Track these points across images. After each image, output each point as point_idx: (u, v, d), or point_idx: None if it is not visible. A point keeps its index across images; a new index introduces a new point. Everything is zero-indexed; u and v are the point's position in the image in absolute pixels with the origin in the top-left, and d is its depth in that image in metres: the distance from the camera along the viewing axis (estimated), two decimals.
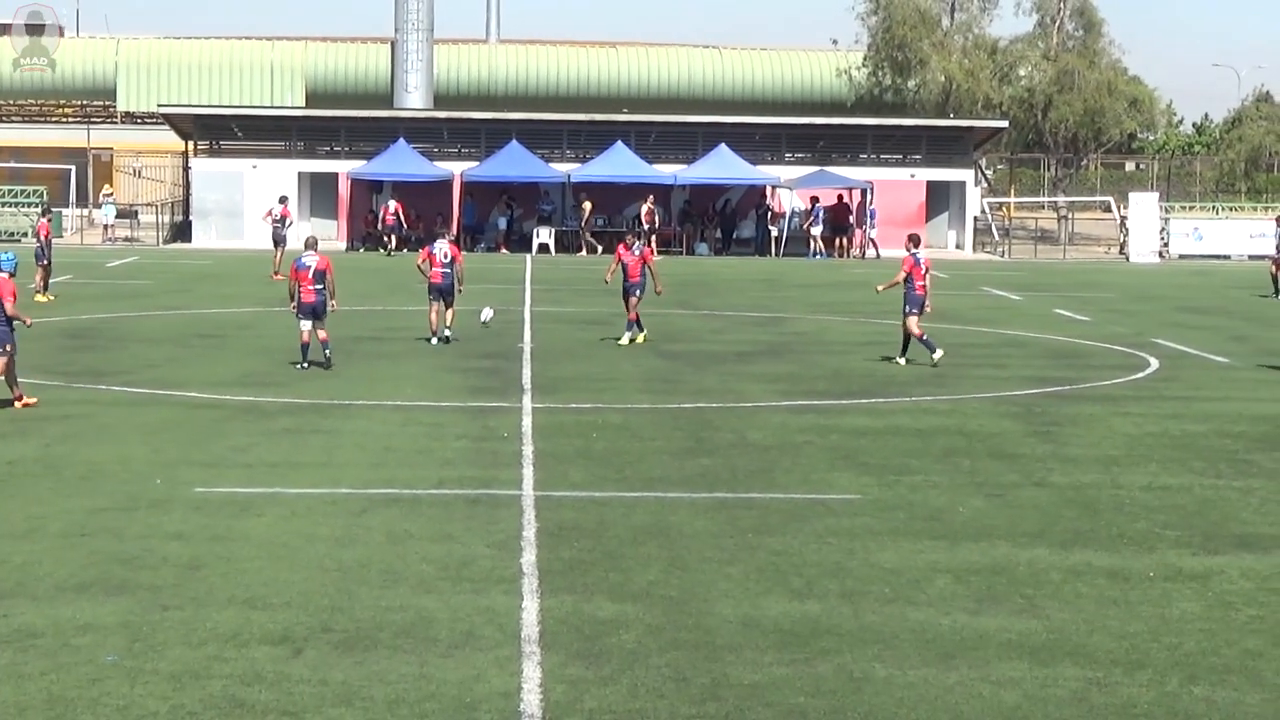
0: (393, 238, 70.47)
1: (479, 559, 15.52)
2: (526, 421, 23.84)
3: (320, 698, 11.56)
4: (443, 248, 34.38)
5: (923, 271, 31.00)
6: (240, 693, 11.64)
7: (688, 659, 12.54)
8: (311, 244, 30.16)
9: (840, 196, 73.42)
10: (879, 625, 13.50)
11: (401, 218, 70.40)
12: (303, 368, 29.21)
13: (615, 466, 20.44)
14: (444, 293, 33.89)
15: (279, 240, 53.80)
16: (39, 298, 42.51)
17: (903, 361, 31.06)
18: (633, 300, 34.30)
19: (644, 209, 70.20)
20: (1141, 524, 17.62)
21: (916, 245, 31.83)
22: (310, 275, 29.44)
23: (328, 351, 29.45)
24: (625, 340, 34.12)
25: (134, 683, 11.81)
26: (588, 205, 71.53)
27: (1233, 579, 15.29)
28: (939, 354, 30.80)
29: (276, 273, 50.72)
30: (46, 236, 44.07)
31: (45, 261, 43.37)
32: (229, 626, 13.18)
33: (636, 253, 34.40)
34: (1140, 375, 30.58)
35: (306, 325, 29.44)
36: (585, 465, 20.47)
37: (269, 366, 29.53)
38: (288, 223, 54.91)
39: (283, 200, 57.25)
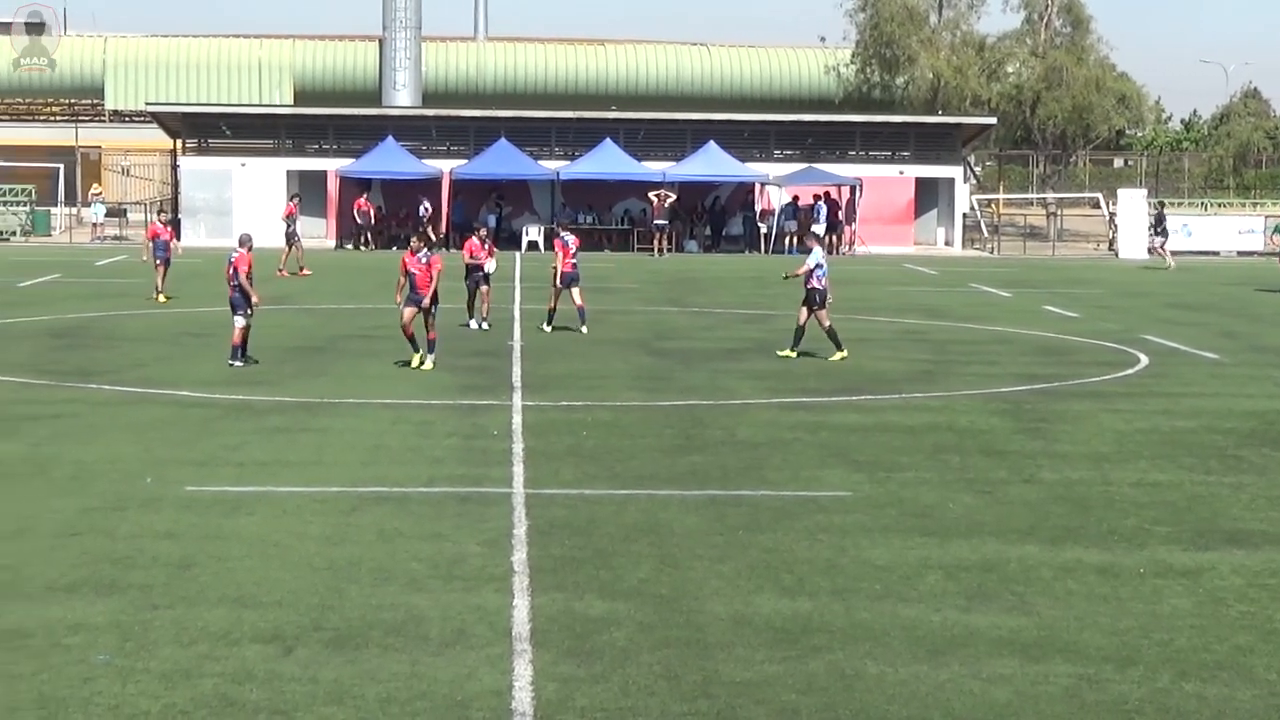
0: (367, 234, 70.74)
1: (470, 557, 15.51)
2: (517, 419, 23.83)
3: (311, 696, 11.55)
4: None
5: (571, 251, 36.43)
6: (231, 691, 11.63)
7: (679, 657, 12.53)
8: (241, 241, 30.36)
9: (828, 193, 73.40)
10: (870, 622, 13.50)
11: (370, 214, 70.82)
12: (230, 365, 29.25)
13: (605, 464, 20.44)
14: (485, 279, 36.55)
15: (289, 238, 54.50)
16: (161, 298, 42.75)
17: (547, 329, 35.92)
18: (429, 318, 29.60)
19: (654, 201, 69.80)
20: (1132, 520, 17.64)
21: (564, 228, 39.41)
22: (230, 272, 29.51)
23: (231, 360, 29.32)
24: (418, 362, 29.54)
25: (125, 682, 11.79)
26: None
27: (1223, 575, 15.30)
28: (585, 329, 35.86)
29: (281, 269, 52.87)
30: (155, 237, 44.40)
31: (161, 261, 43.60)
32: (220, 625, 13.16)
33: (424, 260, 29.50)
34: (1130, 372, 30.60)
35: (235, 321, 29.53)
36: (575, 463, 20.46)
37: (258, 365, 29.45)
38: (294, 221, 55.40)
39: (293, 198, 59.47)
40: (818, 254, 31.89)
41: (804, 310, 31.64)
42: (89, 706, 11.31)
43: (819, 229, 71.34)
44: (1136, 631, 13.38)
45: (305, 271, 53.20)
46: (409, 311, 29.23)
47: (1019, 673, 12.27)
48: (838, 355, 31.27)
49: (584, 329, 35.70)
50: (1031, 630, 13.35)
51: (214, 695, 11.55)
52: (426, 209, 70.75)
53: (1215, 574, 15.34)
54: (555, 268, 36.50)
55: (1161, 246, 67.45)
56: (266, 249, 47.79)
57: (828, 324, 31.53)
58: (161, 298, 42.93)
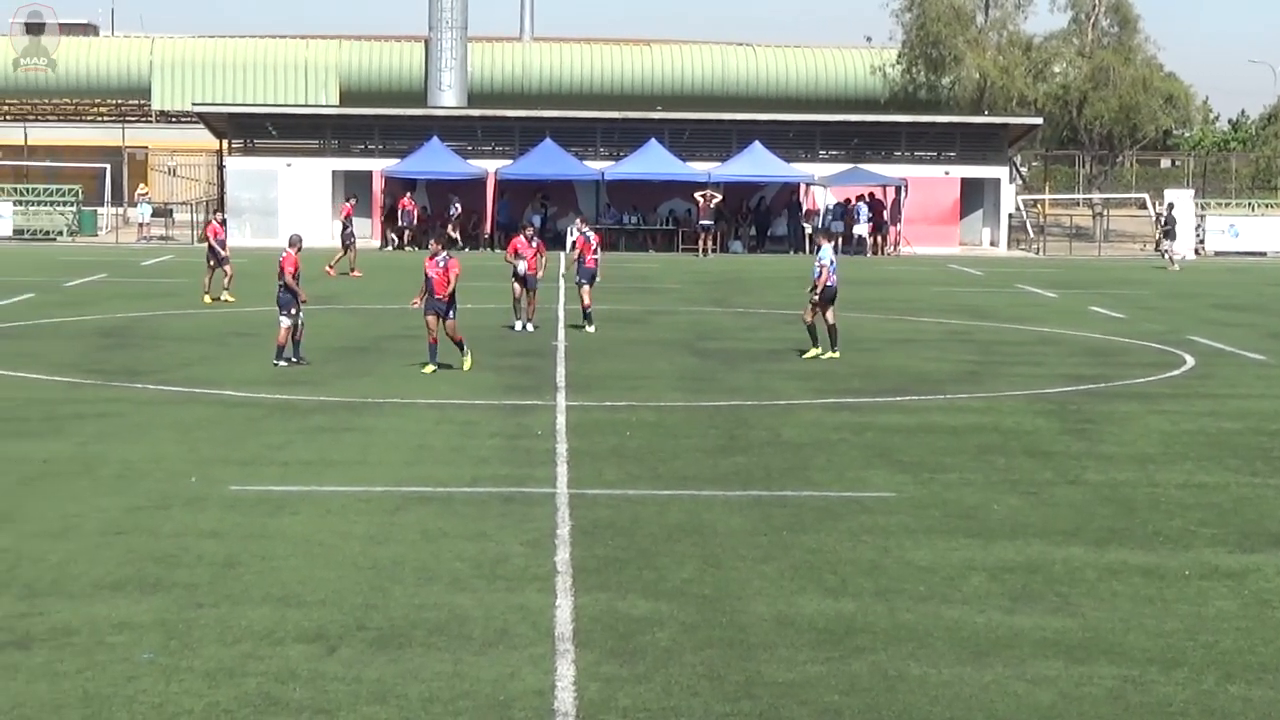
0: (405, 234, 70.83)
1: (513, 557, 15.52)
2: (560, 419, 23.84)
3: (354, 695, 11.57)
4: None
5: (593, 248, 36.90)
6: (275, 690, 11.66)
7: (722, 657, 12.52)
8: (290, 241, 30.74)
9: (871, 193, 73.34)
10: (913, 623, 13.47)
11: (414, 214, 70.88)
12: (274, 365, 29.28)
13: (649, 464, 20.43)
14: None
15: (345, 240, 54.78)
16: (207, 298, 42.87)
17: (591, 329, 35.76)
18: (448, 322, 28.99)
19: (699, 202, 69.71)
20: (1177, 522, 17.56)
21: (585, 223, 40.05)
22: (278, 271, 29.64)
23: (275, 360, 29.40)
24: (431, 370, 28.94)
25: (169, 680, 11.83)
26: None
27: (1269, 577, 15.22)
28: (592, 328, 35.86)
29: (329, 268, 53.33)
30: (217, 237, 44.25)
31: (214, 262, 43.54)
32: (264, 624, 13.20)
33: (441, 264, 28.87)
34: (1176, 373, 30.47)
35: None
36: (619, 463, 20.46)
37: (309, 365, 29.50)
38: (350, 222, 55.63)
39: (349, 200, 59.77)
40: (828, 251, 31.85)
41: (823, 308, 31.62)
42: (133, 705, 11.35)
43: (861, 229, 71.47)
44: (1182, 633, 13.32)
45: (356, 273, 53.35)
46: (431, 320, 28.90)
47: (1063, 674, 12.23)
48: (812, 352, 31.51)
49: (590, 328, 35.86)
50: (1076, 632, 13.31)
51: (257, 694, 11.58)
52: (456, 209, 70.85)
53: (1261, 576, 15.26)
54: (576, 263, 36.83)
55: (1171, 248, 67.09)
56: (314, 249, 47.97)
57: (810, 320, 31.55)
58: (207, 298, 43.05)
